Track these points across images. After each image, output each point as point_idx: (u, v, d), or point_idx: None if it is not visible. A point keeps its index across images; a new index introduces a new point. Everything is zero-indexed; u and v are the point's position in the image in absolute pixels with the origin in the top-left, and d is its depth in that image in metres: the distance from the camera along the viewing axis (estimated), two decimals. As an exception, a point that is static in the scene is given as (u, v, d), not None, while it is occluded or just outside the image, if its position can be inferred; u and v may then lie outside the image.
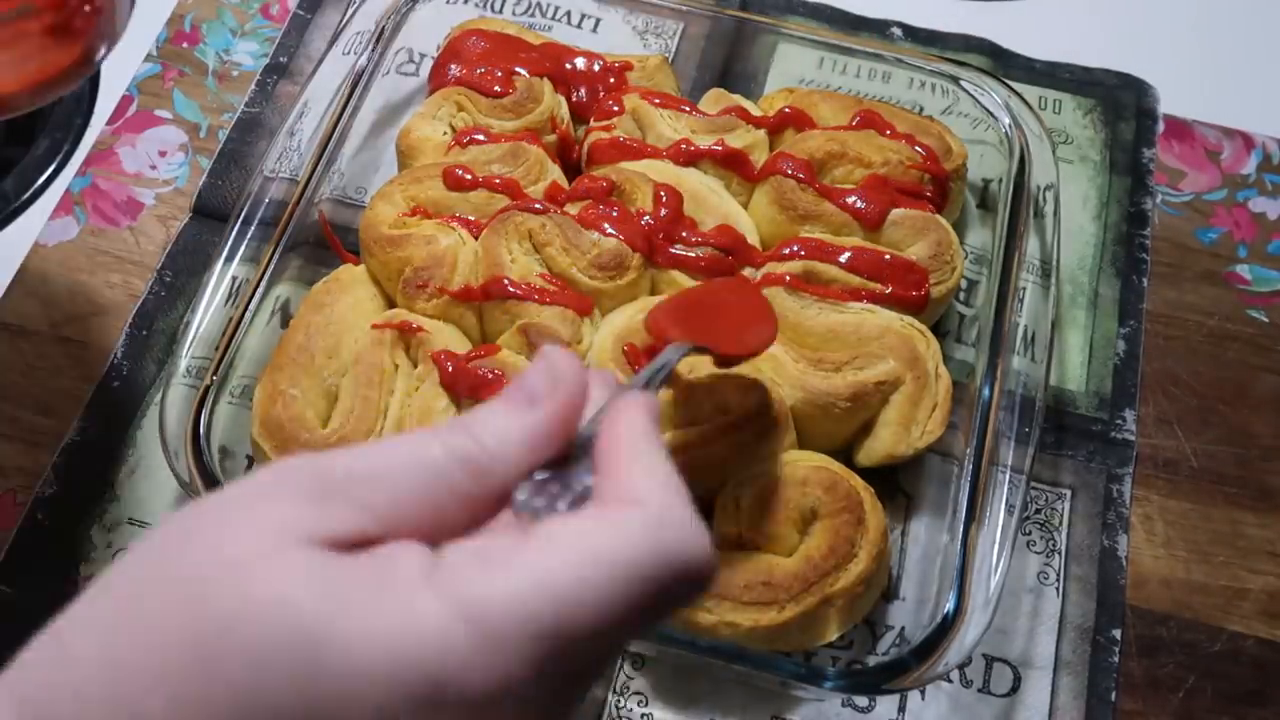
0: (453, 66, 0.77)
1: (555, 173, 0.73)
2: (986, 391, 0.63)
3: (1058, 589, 0.67)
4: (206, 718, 0.30)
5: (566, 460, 0.37)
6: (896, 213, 0.70)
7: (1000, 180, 0.74)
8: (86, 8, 0.49)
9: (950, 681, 0.64)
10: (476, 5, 0.84)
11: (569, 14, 0.85)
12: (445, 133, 0.74)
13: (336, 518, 0.33)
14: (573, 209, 0.69)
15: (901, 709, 0.63)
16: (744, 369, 0.64)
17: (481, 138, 0.72)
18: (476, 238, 0.68)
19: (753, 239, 0.70)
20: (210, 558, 0.32)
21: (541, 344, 0.64)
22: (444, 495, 0.35)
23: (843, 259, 0.68)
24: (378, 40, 0.76)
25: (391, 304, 0.69)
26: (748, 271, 0.69)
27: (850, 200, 0.70)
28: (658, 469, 0.35)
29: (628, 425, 0.37)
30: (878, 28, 0.89)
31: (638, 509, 0.34)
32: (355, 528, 0.33)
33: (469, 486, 0.35)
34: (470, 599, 0.31)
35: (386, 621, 0.31)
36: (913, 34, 0.89)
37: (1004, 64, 0.87)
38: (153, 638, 0.31)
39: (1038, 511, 0.70)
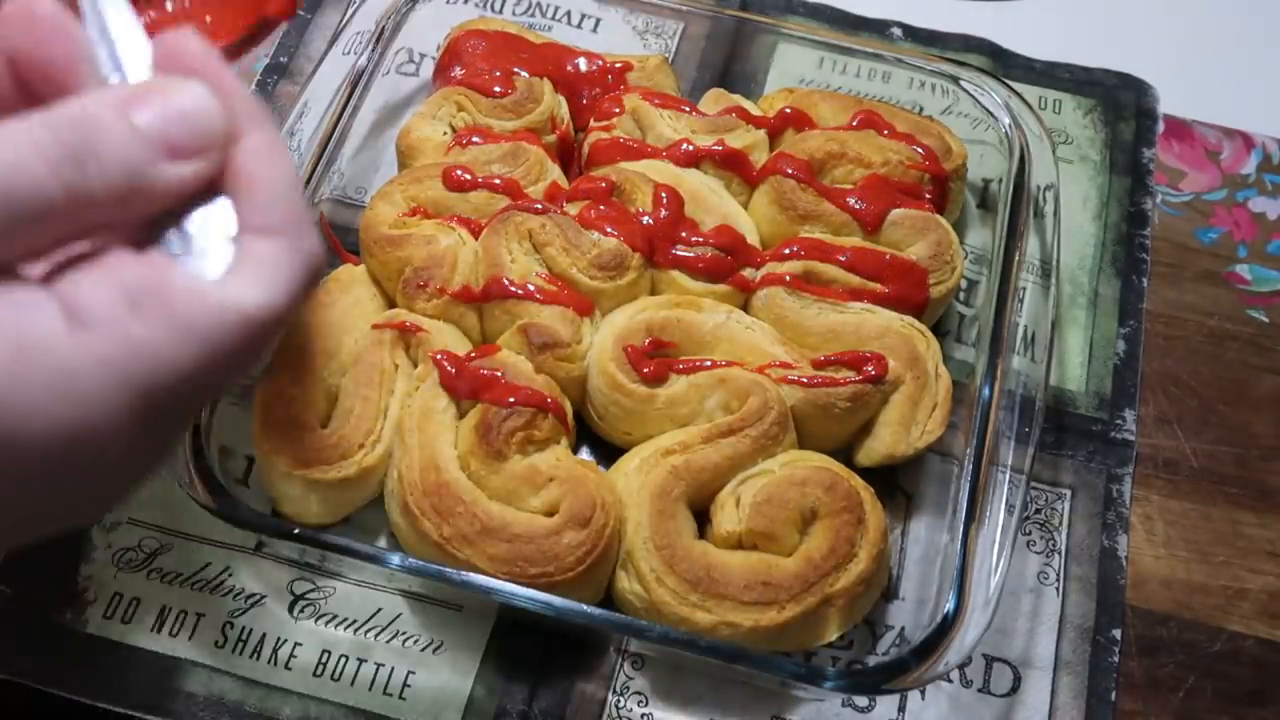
0: (456, 68, 0.77)
1: (555, 173, 0.73)
2: (986, 391, 0.63)
3: (1058, 589, 0.67)
4: None
5: None
6: (896, 213, 0.70)
7: (1000, 180, 0.74)
8: None
9: (950, 681, 0.64)
10: (476, 5, 0.84)
11: (569, 14, 0.86)
12: (445, 133, 0.74)
13: None
14: (573, 209, 0.69)
15: (901, 709, 0.63)
16: (743, 369, 0.64)
17: (478, 140, 0.72)
18: (476, 238, 0.68)
19: (753, 239, 0.70)
20: None
21: (540, 341, 0.64)
22: (29, 224, 0.31)
23: (843, 259, 0.68)
24: (378, 40, 0.76)
25: (391, 304, 0.69)
26: (748, 272, 0.69)
27: (850, 200, 0.70)
28: (275, 174, 0.34)
29: (238, 109, 0.34)
30: (878, 28, 0.89)
31: (281, 260, 0.33)
32: None
33: (60, 218, 0.31)
34: (128, 362, 0.31)
35: (43, 385, 0.30)
36: (913, 34, 0.89)
37: (1004, 64, 0.87)
38: None
39: (1038, 511, 0.70)
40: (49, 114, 0.31)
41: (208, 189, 0.34)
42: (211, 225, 0.34)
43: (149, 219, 0.34)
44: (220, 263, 0.33)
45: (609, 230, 0.67)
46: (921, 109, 0.78)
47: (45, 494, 0.32)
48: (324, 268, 0.35)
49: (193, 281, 0.33)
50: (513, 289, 0.65)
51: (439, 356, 0.64)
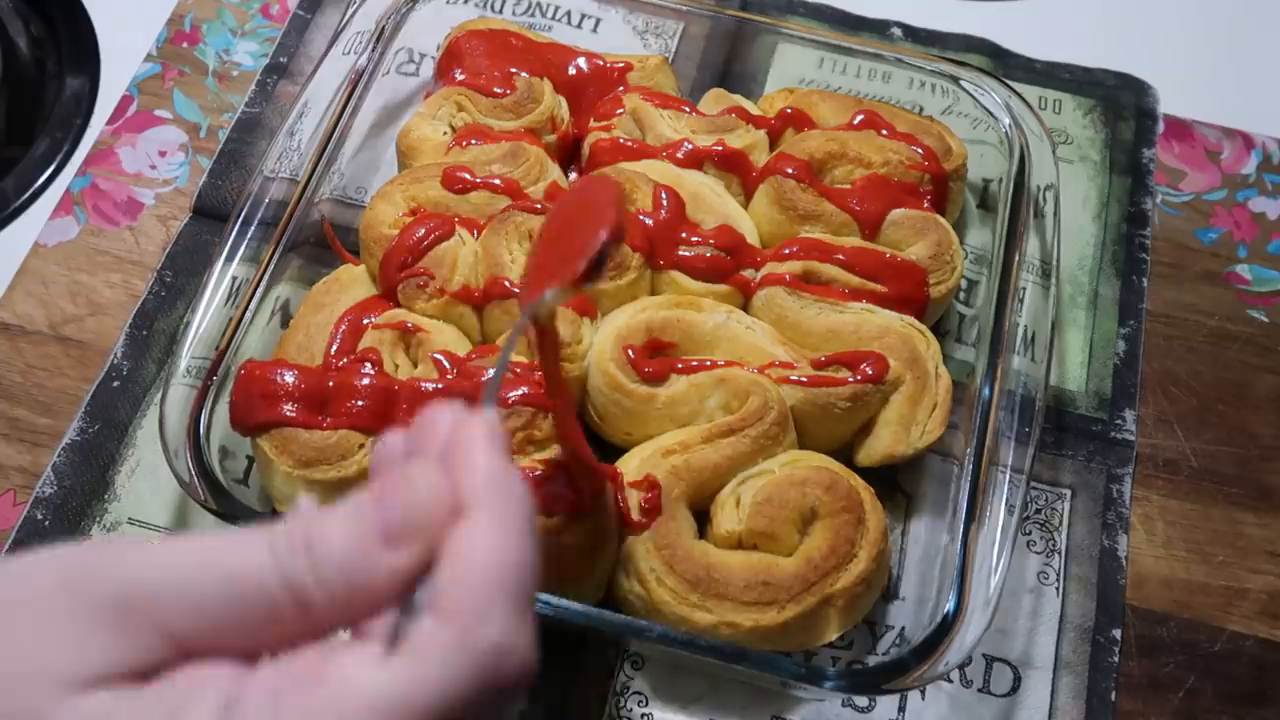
0: (456, 69, 0.77)
1: (555, 173, 0.73)
2: (986, 391, 0.63)
3: (1058, 589, 0.67)
4: None
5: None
6: (896, 213, 0.70)
7: (1000, 180, 0.74)
8: None
9: (950, 681, 0.64)
10: (476, 5, 0.84)
11: (569, 14, 0.85)
12: (445, 133, 0.74)
13: (131, 647, 0.31)
14: (573, 209, 0.69)
15: (901, 709, 0.63)
16: (744, 370, 0.64)
17: (475, 142, 0.72)
18: (477, 238, 0.68)
19: (753, 239, 0.70)
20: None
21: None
22: (262, 622, 0.32)
23: (842, 259, 0.68)
24: (378, 40, 0.76)
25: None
26: (748, 272, 0.69)
27: (850, 200, 0.70)
28: (477, 566, 0.32)
29: (473, 487, 0.33)
30: (878, 28, 0.89)
31: (435, 646, 0.31)
32: (152, 657, 0.31)
33: (292, 620, 0.32)
34: None
35: None
36: (913, 34, 0.89)
37: (1004, 64, 0.87)
38: None
39: (1038, 511, 0.70)
40: (299, 515, 0.33)
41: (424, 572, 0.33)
42: (416, 607, 0.33)
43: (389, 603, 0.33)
44: (400, 646, 0.32)
45: (609, 230, 0.67)
46: (921, 109, 0.78)
47: None
48: (511, 668, 0.32)
49: (350, 667, 0.31)
50: (513, 289, 0.65)
51: (439, 356, 0.64)
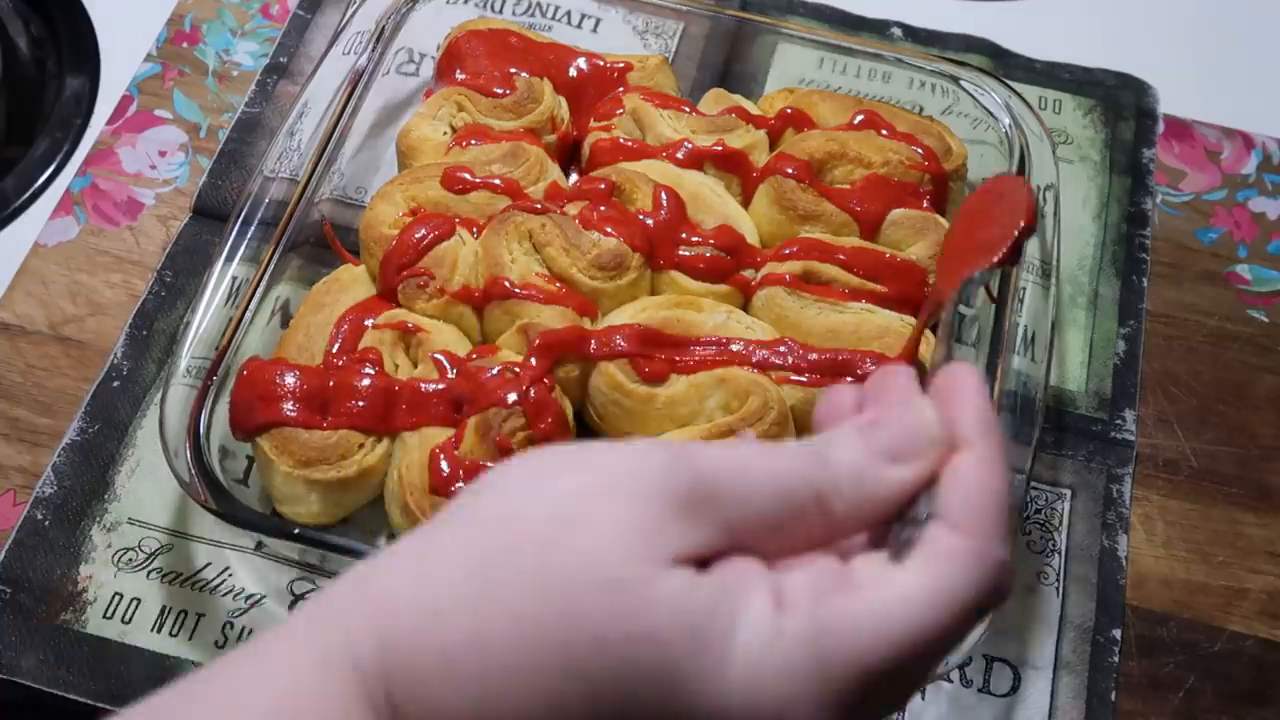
0: (457, 69, 0.77)
1: (555, 173, 0.73)
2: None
3: (1058, 589, 0.67)
4: (559, 711, 0.32)
5: None
6: (896, 213, 0.70)
7: (1000, 180, 0.74)
8: None
9: (950, 681, 0.64)
10: (476, 5, 0.84)
11: (569, 14, 0.85)
12: (445, 133, 0.74)
13: (700, 535, 0.34)
14: (573, 209, 0.69)
15: (901, 709, 0.63)
16: (744, 370, 0.64)
17: (475, 142, 0.72)
18: (477, 238, 0.68)
19: (753, 239, 0.70)
20: (586, 567, 0.33)
21: None
22: (790, 522, 0.35)
23: (842, 259, 0.68)
24: (378, 40, 0.76)
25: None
26: (748, 272, 0.69)
27: (850, 200, 0.70)
28: (986, 483, 0.36)
29: (967, 420, 0.37)
30: (878, 28, 0.89)
31: (960, 561, 0.34)
32: (712, 546, 0.34)
33: (814, 525, 0.36)
34: (828, 630, 0.33)
35: (742, 663, 0.33)
36: (913, 34, 0.89)
37: (1004, 64, 0.87)
38: (523, 631, 0.33)
39: (1038, 511, 0.70)
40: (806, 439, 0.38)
41: (924, 489, 0.37)
42: (918, 520, 0.36)
43: (889, 513, 0.37)
44: (909, 552, 0.35)
45: (609, 230, 0.67)
46: (921, 109, 0.78)
47: None
48: (1006, 588, 0.35)
49: (874, 570, 0.35)
50: (513, 289, 0.65)
51: (439, 356, 0.64)
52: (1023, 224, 0.53)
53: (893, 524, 0.36)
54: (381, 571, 0.36)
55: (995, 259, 0.52)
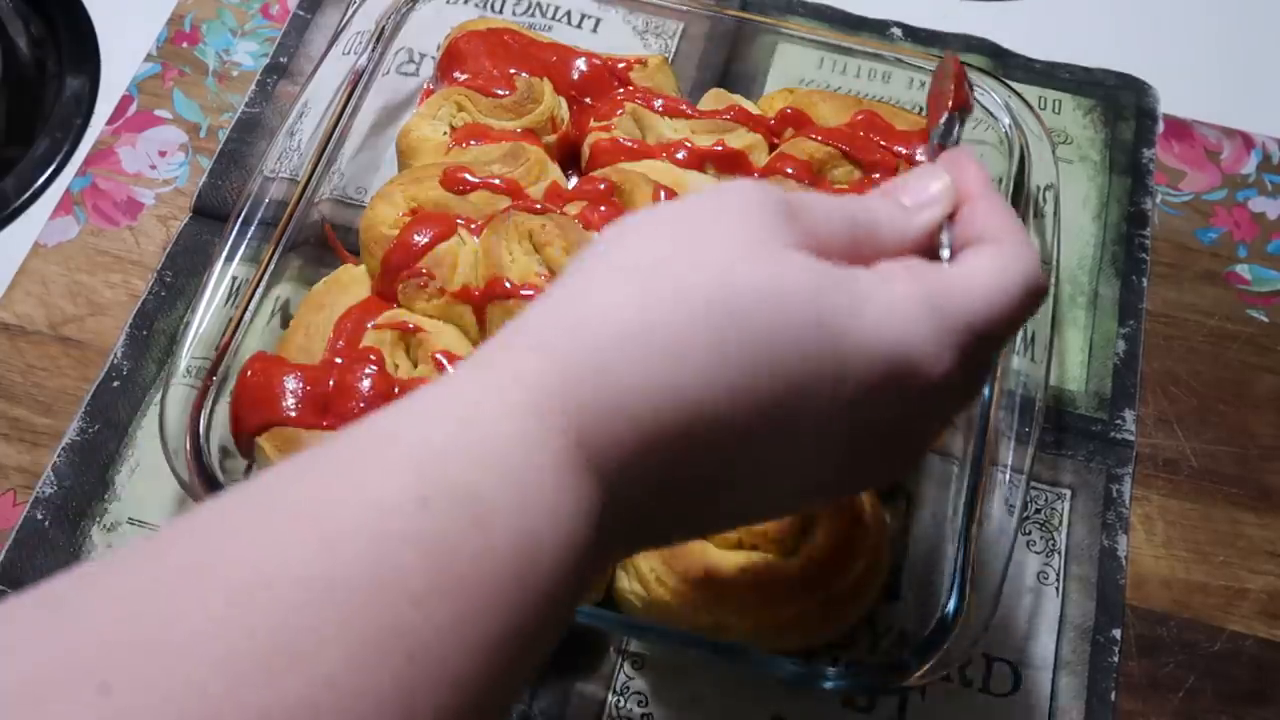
0: (456, 69, 0.77)
1: (555, 173, 0.73)
2: (986, 391, 0.63)
3: (1058, 589, 0.67)
4: (733, 367, 0.36)
5: None
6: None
7: (1000, 180, 0.74)
8: None
9: (950, 681, 0.64)
10: (476, 5, 0.84)
11: (569, 14, 0.85)
12: (445, 133, 0.74)
13: (801, 236, 0.39)
14: (573, 209, 0.69)
15: (901, 709, 0.63)
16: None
17: (475, 142, 0.72)
18: (477, 238, 0.68)
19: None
20: (733, 242, 0.38)
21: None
22: (865, 240, 0.41)
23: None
24: (378, 40, 0.76)
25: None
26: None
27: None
28: (1004, 211, 0.44)
29: (971, 178, 0.45)
30: (878, 28, 0.89)
31: (1009, 245, 0.42)
32: (810, 245, 0.39)
33: (871, 245, 0.42)
34: (935, 292, 0.39)
35: (871, 307, 0.38)
36: (913, 34, 0.89)
37: (1004, 64, 0.87)
38: (689, 302, 0.36)
39: (1038, 511, 0.70)
40: (860, 199, 0.44)
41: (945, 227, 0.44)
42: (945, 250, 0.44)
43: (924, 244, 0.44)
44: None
45: (609, 230, 0.67)
46: (922, 109, 0.78)
47: (888, 416, 0.40)
48: (1045, 284, 0.43)
49: (955, 262, 0.43)
50: (513, 289, 0.65)
51: (439, 356, 0.64)
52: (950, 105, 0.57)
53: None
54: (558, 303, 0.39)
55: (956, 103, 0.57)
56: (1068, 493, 0.70)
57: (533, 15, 0.86)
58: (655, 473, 0.36)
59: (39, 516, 0.67)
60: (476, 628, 0.31)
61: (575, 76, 0.78)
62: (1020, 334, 0.66)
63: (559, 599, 0.34)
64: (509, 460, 0.33)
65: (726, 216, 0.39)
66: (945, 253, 0.43)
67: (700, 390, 0.35)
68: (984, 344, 0.40)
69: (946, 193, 0.44)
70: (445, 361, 0.64)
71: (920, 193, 0.44)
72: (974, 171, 0.45)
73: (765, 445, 0.37)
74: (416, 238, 0.67)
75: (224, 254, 0.67)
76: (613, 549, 0.38)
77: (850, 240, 0.41)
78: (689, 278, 0.37)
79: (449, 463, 0.33)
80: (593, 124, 0.76)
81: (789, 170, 0.71)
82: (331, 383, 0.63)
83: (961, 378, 0.40)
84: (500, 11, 0.85)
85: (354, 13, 0.78)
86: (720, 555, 0.60)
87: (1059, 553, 0.68)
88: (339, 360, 0.65)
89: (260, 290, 0.66)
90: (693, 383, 0.35)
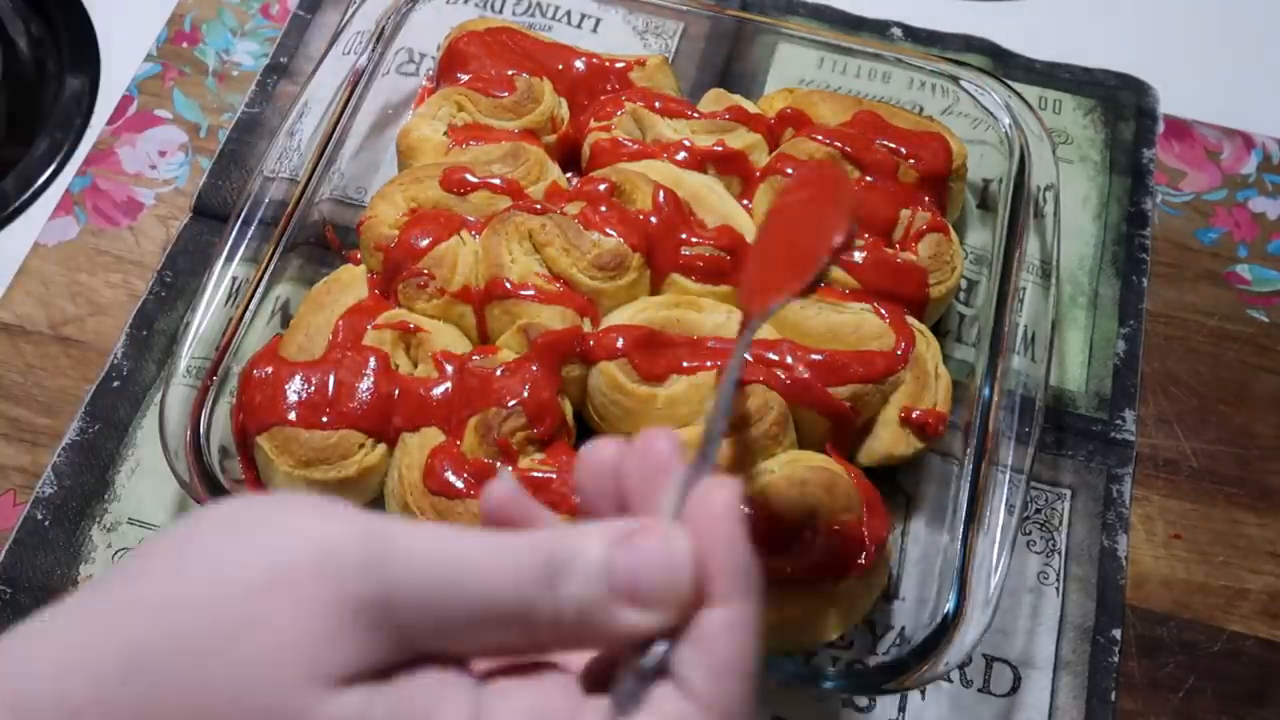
0: (457, 69, 0.77)
1: (555, 173, 0.73)
2: (986, 391, 0.63)
3: (1058, 589, 0.67)
4: None
5: None
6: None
7: (1000, 180, 0.74)
8: None
9: (950, 681, 0.64)
10: (476, 5, 0.84)
11: (569, 14, 0.85)
12: (445, 133, 0.74)
13: (382, 648, 0.31)
14: (573, 209, 0.69)
15: (901, 709, 0.63)
16: (746, 371, 0.64)
17: (475, 142, 0.72)
18: (477, 238, 0.68)
19: (752, 239, 0.70)
20: (245, 691, 0.30)
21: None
22: (491, 637, 0.32)
23: (844, 259, 0.68)
24: (378, 40, 0.76)
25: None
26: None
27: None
28: (731, 666, 0.33)
29: (718, 576, 0.33)
30: (878, 28, 0.89)
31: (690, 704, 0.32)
32: (396, 658, 0.31)
33: (517, 639, 0.33)
34: None
35: None
36: (913, 34, 0.89)
37: (1004, 64, 0.87)
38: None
39: (1038, 511, 0.70)
40: (540, 536, 0.33)
41: (670, 636, 0.33)
42: (653, 672, 0.33)
43: (608, 652, 0.34)
44: (637, 707, 0.32)
45: (609, 231, 0.67)
46: (921, 109, 0.78)
47: None
48: None
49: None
50: (513, 289, 0.65)
51: (439, 356, 0.64)
52: (840, 240, 0.46)
53: (624, 656, 0.33)
54: (27, 647, 0.32)
55: (802, 286, 0.46)
56: (1068, 493, 0.70)
57: (533, 15, 0.86)
58: None
59: (39, 516, 0.67)
60: None
61: (575, 76, 0.78)
62: (1020, 334, 0.67)
63: None
64: None
65: (282, 611, 0.30)
66: (636, 688, 0.32)
67: None
68: None
69: (679, 600, 0.32)
70: (444, 361, 0.64)
71: (650, 581, 0.32)
72: (730, 555, 0.33)
73: None
74: (416, 238, 0.67)
75: (224, 254, 0.67)
76: None
77: (474, 635, 0.32)
78: (164, 684, 0.30)
79: None
80: (593, 124, 0.76)
81: (789, 170, 0.71)
82: (332, 382, 0.63)
83: None
84: (500, 11, 0.85)
85: (354, 13, 0.78)
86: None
87: (1059, 553, 0.68)
88: (340, 359, 0.65)
89: (260, 290, 0.66)
90: None
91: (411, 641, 0.31)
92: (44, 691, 0.30)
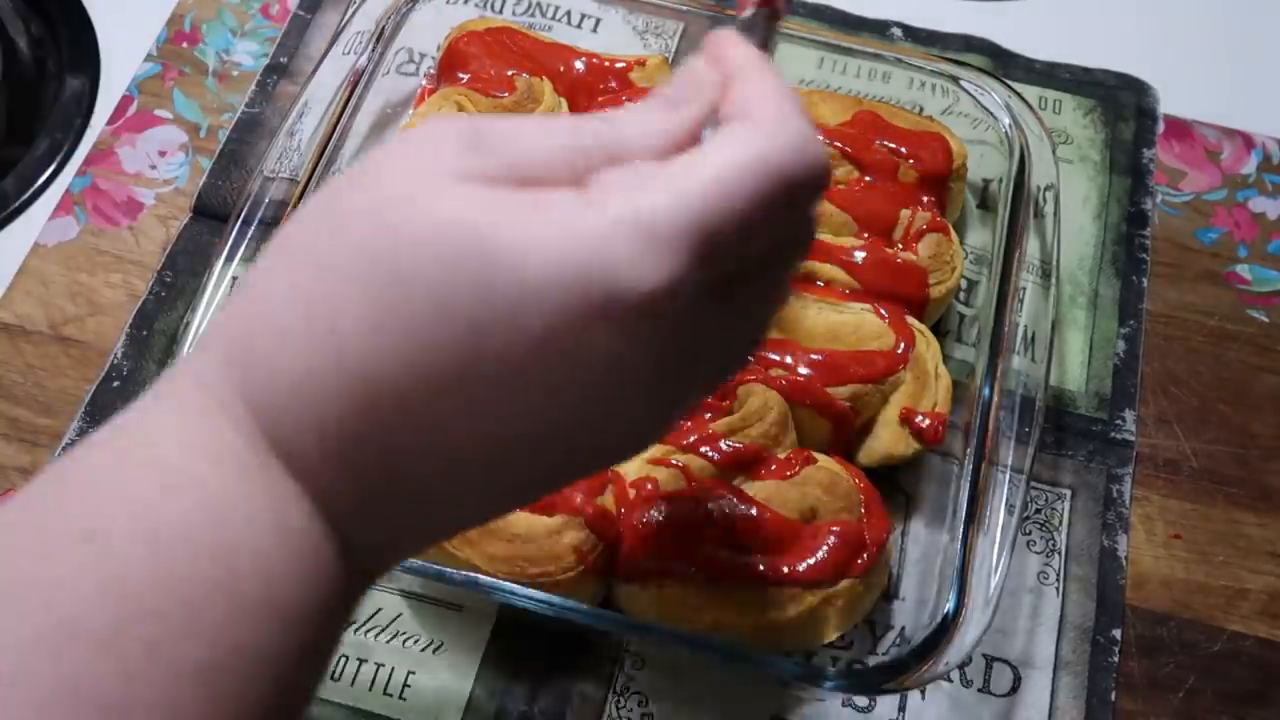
0: (457, 69, 0.77)
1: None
2: (986, 391, 0.63)
3: (1058, 589, 0.67)
4: (394, 329, 0.32)
5: None
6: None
7: (1000, 180, 0.74)
8: None
9: (950, 681, 0.64)
10: (476, 5, 0.84)
11: (569, 14, 0.85)
12: (445, 133, 0.74)
13: (490, 165, 0.34)
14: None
15: (901, 709, 0.63)
16: (745, 371, 0.64)
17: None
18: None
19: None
20: (385, 193, 0.33)
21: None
22: (602, 159, 0.35)
23: (843, 259, 0.68)
24: (378, 40, 0.76)
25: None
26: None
27: (850, 200, 0.70)
28: (766, 85, 0.36)
29: (733, 57, 0.38)
30: (878, 28, 0.89)
31: (751, 122, 0.35)
32: (506, 175, 0.34)
33: (636, 147, 0.36)
34: (628, 206, 0.33)
35: (555, 230, 0.32)
36: (913, 34, 0.89)
37: (1004, 64, 0.87)
38: (339, 260, 0.33)
39: (1038, 511, 0.70)
40: (600, 114, 0.37)
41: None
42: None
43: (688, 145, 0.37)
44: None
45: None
46: (921, 109, 0.78)
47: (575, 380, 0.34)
48: (814, 157, 0.35)
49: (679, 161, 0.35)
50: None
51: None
52: None
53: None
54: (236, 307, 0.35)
55: None
56: (1068, 493, 0.70)
57: (533, 15, 0.86)
58: (354, 455, 0.33)
59: (39, 516, 0.67)
60: (179, 651, 0.30)
61: (575, 77, 0.78)
62: (1020, 334, 0.67)
63: (287, 608, 0.32)
64: (193, 472, 0.32)
65: (403, 151, 0.35)
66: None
67: (363, 363, 0.32)
68: (727, 240, 0.33)
69: (705, 84, 0.37)
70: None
71: (678, 91, 0.37)
72: (738, 50, 0.38)
73: (466, 400, 0.33)
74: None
75: (224, 254, 0.67)
76: (361, 549, 0.35)
77: (574, 164, 0.35)
78: (339, 237, 0.33)
79: (129, 488, 0.32)
80: (593, 124, 0.76)
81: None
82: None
83: (704, 282, 0.34)
84: (500, 11, 0.85)
85: (354, 13, 0.78)
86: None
87: (1059, 553, 0.68)
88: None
89: (260, 290, 0.66)
90: (354, 356, 0.32)
91: (513, 165, 0.34)
92: (238, 309, 0.35)
